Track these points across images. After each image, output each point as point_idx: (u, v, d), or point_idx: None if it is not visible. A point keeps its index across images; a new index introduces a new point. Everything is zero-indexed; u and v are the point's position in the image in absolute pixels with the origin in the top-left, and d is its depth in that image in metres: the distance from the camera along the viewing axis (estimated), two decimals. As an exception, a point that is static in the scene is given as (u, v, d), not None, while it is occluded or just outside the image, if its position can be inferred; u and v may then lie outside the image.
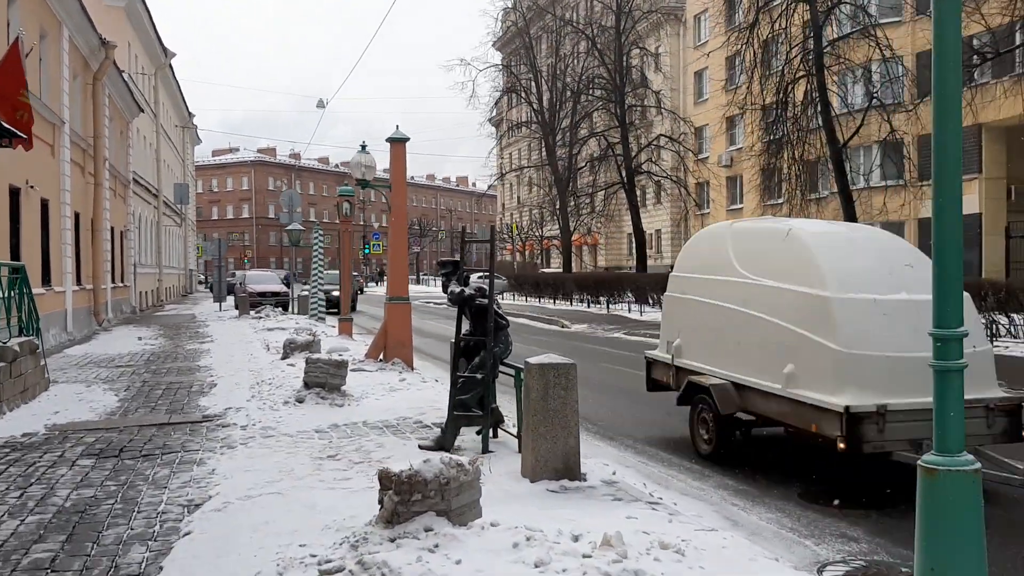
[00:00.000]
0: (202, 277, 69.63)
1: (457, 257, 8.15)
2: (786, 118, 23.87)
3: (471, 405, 7.74)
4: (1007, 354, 15.47)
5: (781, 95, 23.58)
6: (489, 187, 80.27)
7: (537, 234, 72.68)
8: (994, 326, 16.27)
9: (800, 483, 6.98)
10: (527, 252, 79.44)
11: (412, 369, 12.83)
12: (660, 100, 36.86)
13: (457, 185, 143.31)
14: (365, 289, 69.43)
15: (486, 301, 7.63)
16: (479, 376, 7.56)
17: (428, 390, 10.96)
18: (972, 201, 31.01)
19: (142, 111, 33.10)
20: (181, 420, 9.61)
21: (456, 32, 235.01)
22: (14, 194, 16.37)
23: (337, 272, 36.32)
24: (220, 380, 12.81)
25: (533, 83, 43.79)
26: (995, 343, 15.95)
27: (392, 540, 4.30)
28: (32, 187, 17.32)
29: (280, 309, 29.47)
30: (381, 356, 12.91)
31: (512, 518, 4.76)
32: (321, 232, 24.51)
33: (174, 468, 7.20)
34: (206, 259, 79.11)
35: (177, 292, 47.84)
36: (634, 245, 38.38)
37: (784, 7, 22.93)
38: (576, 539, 4.41)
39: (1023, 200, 30.81)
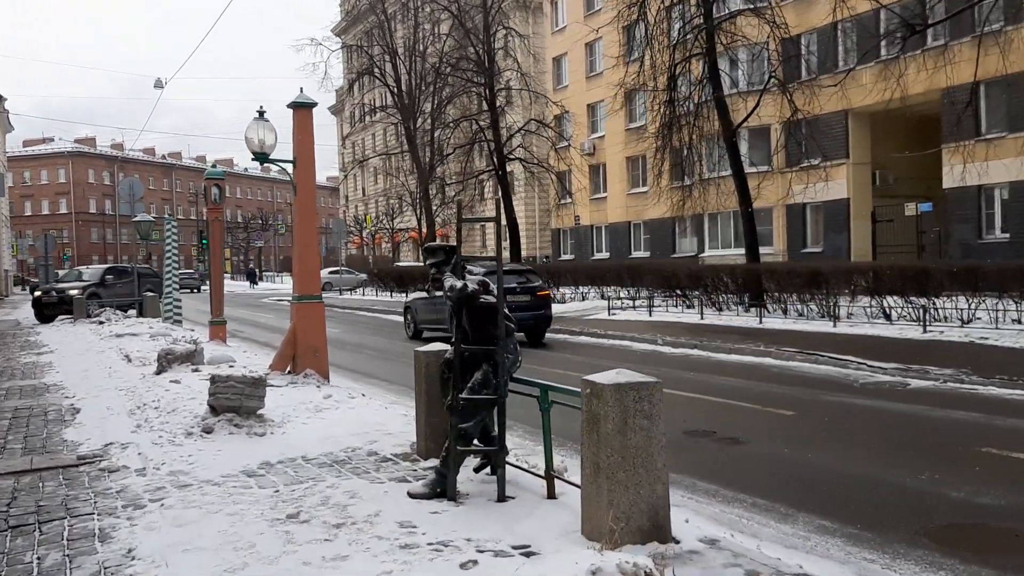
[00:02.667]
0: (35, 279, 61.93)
1: (451, 242, 6.28)
2: (676, 99, 23.00)
3: (475, 435, 5.94)
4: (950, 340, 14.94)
5: (671, 74, 22.66)
6: (344, 177, 76.83)
7: (387, 227, 70.12)
8: (924, 312, 15.73)
9: (898, 513, 5.62)
10: (376, 246, 76.68)
11: (329, 382, 10.77)
12: (528, 83, 35.47)
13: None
14: (203, 288, 64.91)
15: (492, 299, 5.84)
16: (486, 397, 5.76)
17: (363, 409, 8.99)
18: (840, 187, 31.46)
19: (-52, 88, 28.71)
20: (49, 464, 7.26)
21: (300, 15, 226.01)
22: None
23: (82, 269, 32.96)
24: (82, 403, 10.32)
25: (390, 64, 41.43)
26: (928, 329, 15.49)
27: None
28: None
29: (121, 312, 26.11)
30: (289, 367, 10.77)
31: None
32: (175, 224, 21.64)
33: (67, 548, 5.00)
34: (21, 258, 72.12)
35: (-8, 295, 42.66)
36: (501, 236, 36.87)
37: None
38: None
39: (887, 185, 31.50)
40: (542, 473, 5.73)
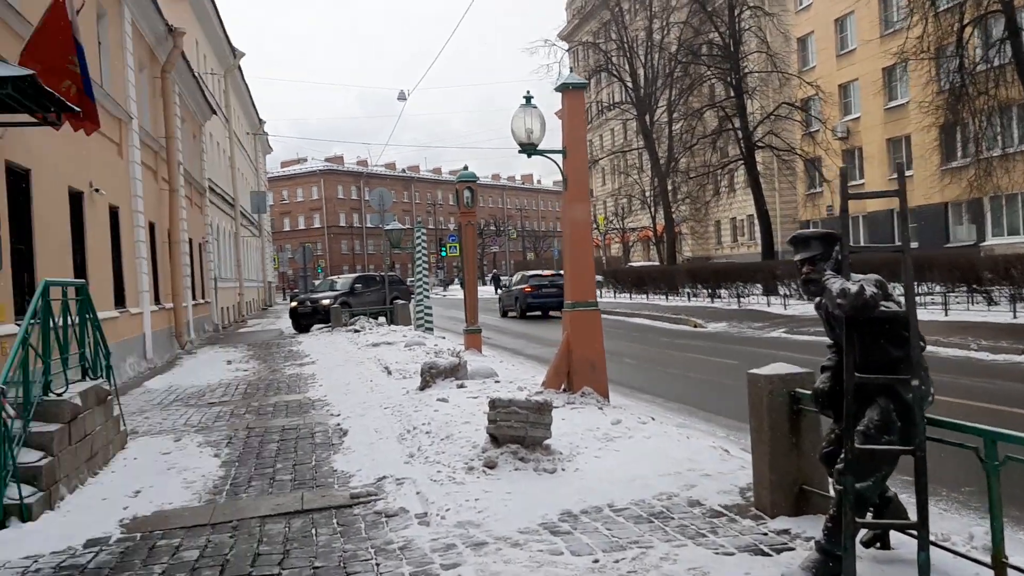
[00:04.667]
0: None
1: (829, 229, 4.66)
2: (965, 65, 19.92)
3: (873, 499, 4.30)
4: None
5: (959, 37, 19.64)
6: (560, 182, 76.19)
7: (618, 227, 68.61)
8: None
9: None
10: (607, 246, 75.29)
11: (609, 401, 9.43)
12: (776, 64, 32.78)
13: (523, 183, 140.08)
14: (430, 295, 66.10)
15: (895, 306, 4.17)
16: (893, 448, 4.09)
17: (660, 439, 7.51)
18: None
19: (215, 113, 30.42)
20: (321, 505, 6.37)
21: (534, 23, 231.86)
22: (75, 199, 13.43)
23: (334, 279, 33.33)
24: (348, 422, 9.63)
25: (624, 58, 40.01)
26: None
27: None
28: (97, 191, 14.42)
29: (373, 320, 26.37)
30: (564, 385, 9.54)
31: None
32: (424, 231, 21.34)
33: (353, 643, 3.91)
34: (281, 271, 77.39)
35: (257, 306, 45.43)
36: (756, 229, 34.44)
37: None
38: None
39: None
40: (984, 560, 3.98)
